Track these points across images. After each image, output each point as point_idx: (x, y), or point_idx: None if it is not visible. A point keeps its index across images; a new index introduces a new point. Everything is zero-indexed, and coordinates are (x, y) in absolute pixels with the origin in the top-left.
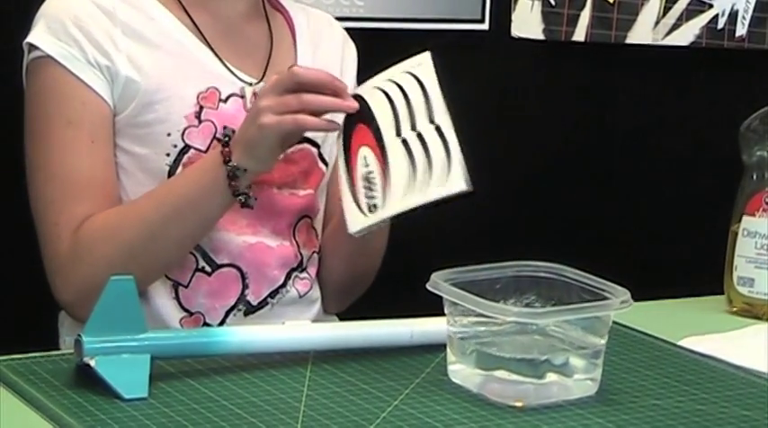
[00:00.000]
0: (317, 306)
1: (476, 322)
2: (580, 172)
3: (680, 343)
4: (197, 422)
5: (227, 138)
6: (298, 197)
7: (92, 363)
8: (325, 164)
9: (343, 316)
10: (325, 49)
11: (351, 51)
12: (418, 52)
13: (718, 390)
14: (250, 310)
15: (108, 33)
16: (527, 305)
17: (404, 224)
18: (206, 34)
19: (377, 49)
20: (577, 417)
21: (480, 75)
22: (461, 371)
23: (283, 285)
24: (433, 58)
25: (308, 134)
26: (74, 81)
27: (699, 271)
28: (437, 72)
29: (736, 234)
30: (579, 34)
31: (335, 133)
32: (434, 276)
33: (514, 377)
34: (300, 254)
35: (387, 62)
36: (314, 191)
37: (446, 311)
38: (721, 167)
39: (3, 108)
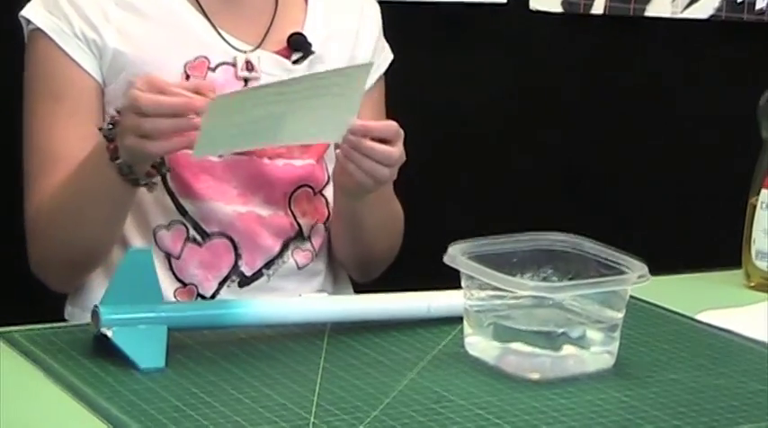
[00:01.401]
0: (320, 279)
1: (493, 295)
2: (598, 145)
3: (697, 317)
4: (213, 393)
5: (111, 128)
6: (294, 167)
7: (109, 334)
8: None
9: (360, 289)
10: (340, 13)
11: (371, 12)
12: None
13: (735, 364)
14: (245, 281)
15: (100, 5)
16: (544, 278)
17: (419, 197)
18: (204, 3)
19: (397, 22)
20: (594, 390)
21: (499, 48)
22: (478, 344)
23: (279, 255)
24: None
25: None
26: (61, 55)
27: (716, 244)
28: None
29: (755, 207)
30: (598, 7)
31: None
32: (451, 249)
33: (531, 349)
34: (298, 224)
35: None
36: (316, 161)
37: (463, 284)
38: (740, 141)
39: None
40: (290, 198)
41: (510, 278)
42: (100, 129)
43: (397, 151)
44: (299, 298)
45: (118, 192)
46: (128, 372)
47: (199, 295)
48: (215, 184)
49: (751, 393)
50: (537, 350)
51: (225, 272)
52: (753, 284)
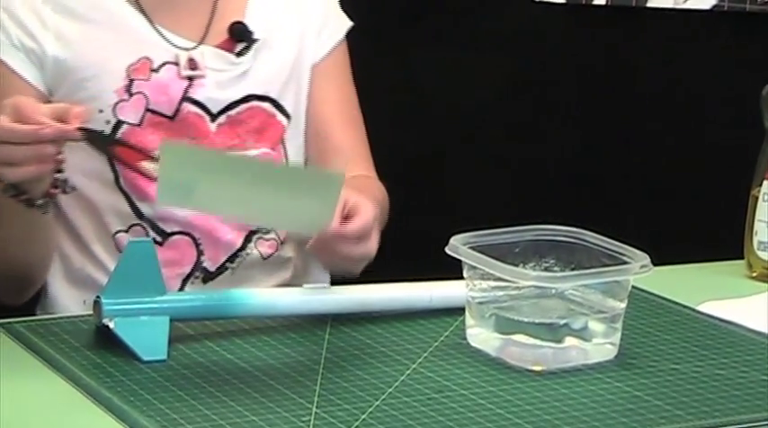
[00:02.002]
0: (290, 267)
1: (495, 286)
2: (600, 135)
3: (699, 307)
4: (215, 383)
5: None
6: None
7: (111, 325)
8: (287, 115)
9: (362, 280)
10: None
11: None
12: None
13: (736, 355)
14: (209, 277)
15: (36, 12)
16: (546, 269)
17: (423, 188)
18: (142, 0)
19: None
20: (596, 381)
21: (501, 38)
22: (480, 335)
23: (242, 248)
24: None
25: (259, 90)
26: (8, 71)
27: (718, 235)
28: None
29: (757, 198)
30: None
31: (305, 76)
32: (453, 240)
33: (533, 341)
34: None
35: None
36: (271, 148)
37: (465, 275)
38: (743, 131)
39: None
40: None
41: (512, 268)
42: None
43: (372, 246)
44: (302, 288)
45: (20, 213)
46: (130, 363)
47: None
48: None
49: (752, 383)
50: (539, 341)
51: (188, 269)
52: (755, 275)
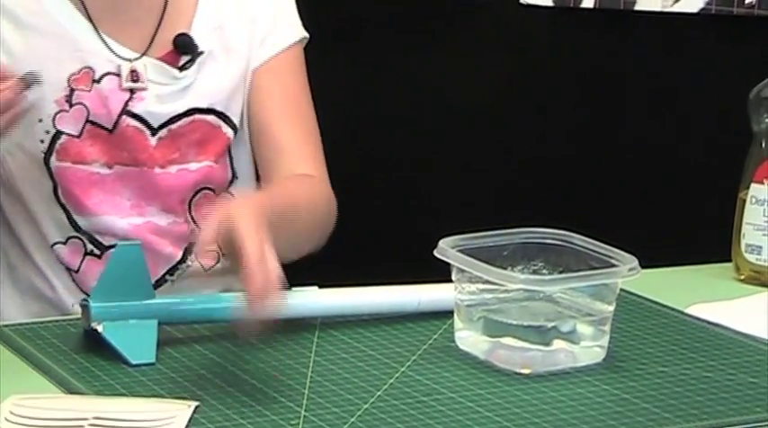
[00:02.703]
0: (226, 277)
1: (483, 289)
2: (588, 138)
3: (687, 310)
4: (204, 387)
5: None
6: (189, 172)
7: (99, 328)
8: (233, 127)
9: (350, 283)
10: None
11: None
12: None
13: (724, 358)
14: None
15: None
16: (534, 272)
17: (411, 191)
18: (90, 5)
19: (386, 15)
20: (584, 384)
21: (489, 41)
22: (468, 338)
23: (182, 261)
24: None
25: (202, 103)
26: None
27: (706, 238)
28: None
29: (745, 201)
30: (588, 1)
31: (242, 93)
32: (442, 242)
33: (521, 344)
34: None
35: (393, 26)
36: (214, 161)
37: (453, 278)
38: (730, 135)
39: None
40: (189, 203)
41: (500, 271)
42: None
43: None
44: (290, 292)
45: None
46: (118, 367)
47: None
48: (106, 198)
49: (740, 385)
50: (527, 344)
51: None
52: (743, 277)
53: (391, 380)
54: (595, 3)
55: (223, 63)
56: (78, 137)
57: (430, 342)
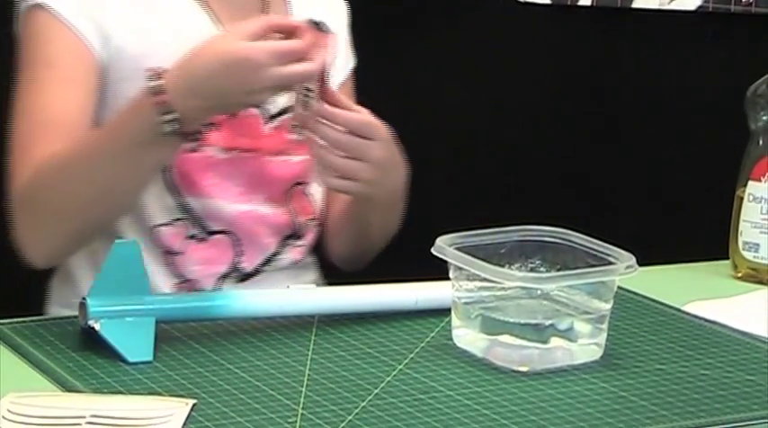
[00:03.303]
0: (311, 271)
1: (481, 287)
2: (585, 137)
3: (684, 308)
4: (201, 385)
5: (157, 80)
6: (291, 164)
7: (96, 326)
8: None
9: (347, 281)
10: (313, 6)
11: (339, 7)
12: None
13: (722, 355)
14: (243, 278)
15: None
16: (532, 269)
17: (408, 188)
18: None
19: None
20: (582, 382)
21: (486, 39)
22: (466, 336)
23: (277, 253)
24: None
25: None
26: (61, 25)
27: (704, 236)
28: None
29: (742, 199)
30: None
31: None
32: (439, 240)
33: (519, 341)
34: (295, 221)
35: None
36: (308, 157)
37: (451, 276)
38: (727, 132)
39: None
40: (288, 195)
41: (498, 269)
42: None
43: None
44: (288, 290)
45: (149, 154)
46: (116, 364)
47: (197, 291)
48: (219, 182)
49: (737, 383)
50: (525, 342)
51: (224, 269)
52: (740, 275)
53: (389, 378)
54: (592, 1)
55: None
56: None
57: (427, 339)
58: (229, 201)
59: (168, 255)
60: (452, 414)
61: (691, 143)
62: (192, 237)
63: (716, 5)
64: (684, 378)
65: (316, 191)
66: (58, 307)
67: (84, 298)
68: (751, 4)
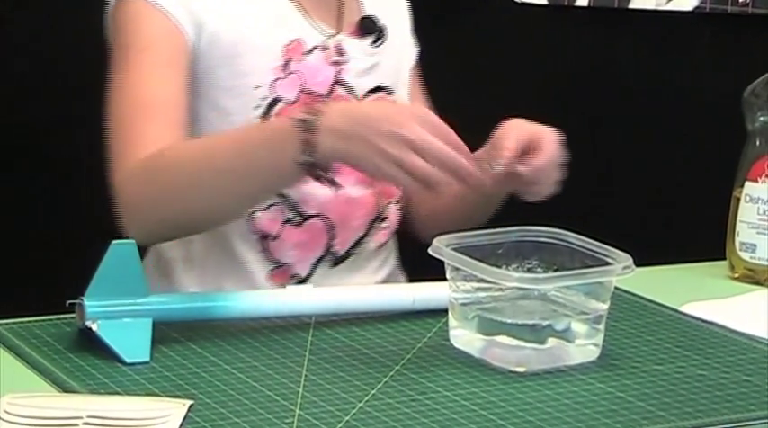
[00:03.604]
0: (393, 255)
1: (478, 287)
2: (581, 137)
3: (681, 308)
4: (199, 386)
5: (312, 119)
6: None
7: (94, 327)
8: None
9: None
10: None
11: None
12: None
13: (719, 356)
14: (336, 261)
15: None
16: (529, 270)
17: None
18: None
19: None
20: (579, 382)
21: (483, 40)
22: (463, 337)
23: (365, 235)
24: None
25: (383, 80)
26: (157, 11)
27: (701, 236)
28: None
29: (739, 199)
30: None
31: (405, 77)
32: (437, 241)
33: (516, 342)
34: (380, 203)
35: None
36: None
37: (448, 276)
38: (724, 133)
39: None
40: None
41: (495, 269)
42: (302, 119)
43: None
44: (284, 290)
45: (274, 181)
46: (113, 365)
47: (293, 276)
48: None
49: (734, 384)
50: (522, 342)
51: (319, 253)
52: (737, 275)
53: (386, 379)
54: (590, 1)
55: (392, 48)
56: (294, 103)
57: (424, 340)
58: (323, 184)
59: (264, 241)
60: (449, 414)
61: (688, 144)
62: (287, 222)
63: (713, 6)
64: (681, 379)
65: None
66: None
67: (81, 299)
68: (747, 4)
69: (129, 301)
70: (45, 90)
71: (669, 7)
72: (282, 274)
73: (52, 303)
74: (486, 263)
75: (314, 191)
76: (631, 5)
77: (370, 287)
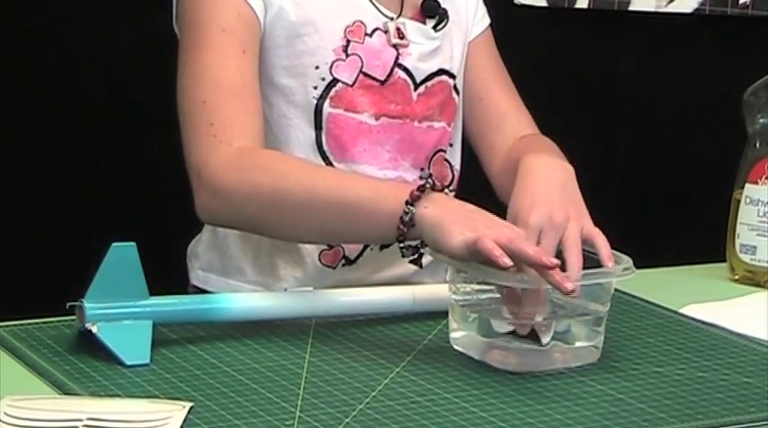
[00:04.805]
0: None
1: (478, 289)
2: (582, 138)
3: (681, 310)
4: (199, 388)
5: (428, 184)
6: (433, 130)
7: (94, 329)
8: (458, 94)
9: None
10: None
11: None
12: None
13: (719, 358)
14: (385, 245)
15: None
16: None
17: None
18: None
19: None
20: (579, 384)
21: None
22: (463, 338)
23: None
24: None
25: (447, 64)
26: None
27: (701, 238)
28: None
29: (739, 201)
30: (582, 1)
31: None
32: None
33: (516, 344)
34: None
35: None
36: (447, 125)
37: (448, 278)
38: (724, 135)
39: None
40: (430, 161)
41: (495, 271)
42: (405, 213)
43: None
44: (285, 293)
45: (365, 240)
46: (113, 367)
47: (344, 257)
48: (370, 148)
49: (735, 385)
50: (522, 344)
51: None
52: (737, 277)
53: (386, 381)
54: (590, 3)
55: (455, 31)
56: (352, 86)
57: (425, 342)
58: (378, 167)
59: None
60: (450, 416)
61: (688, 145)
62: None
63: (712, 8)
64: (682, 381)
65: (453, 159)
66: (204, 272)
67: (81, 301)
68: (747, 6)
69: (129, 303)
70: (45, 91)
71: (669, 9)
72: (333, 255)
73: (52, 305)
74: (486, 264)
75: (369, 173)
76: (631, 7)
77: (370, 289)
